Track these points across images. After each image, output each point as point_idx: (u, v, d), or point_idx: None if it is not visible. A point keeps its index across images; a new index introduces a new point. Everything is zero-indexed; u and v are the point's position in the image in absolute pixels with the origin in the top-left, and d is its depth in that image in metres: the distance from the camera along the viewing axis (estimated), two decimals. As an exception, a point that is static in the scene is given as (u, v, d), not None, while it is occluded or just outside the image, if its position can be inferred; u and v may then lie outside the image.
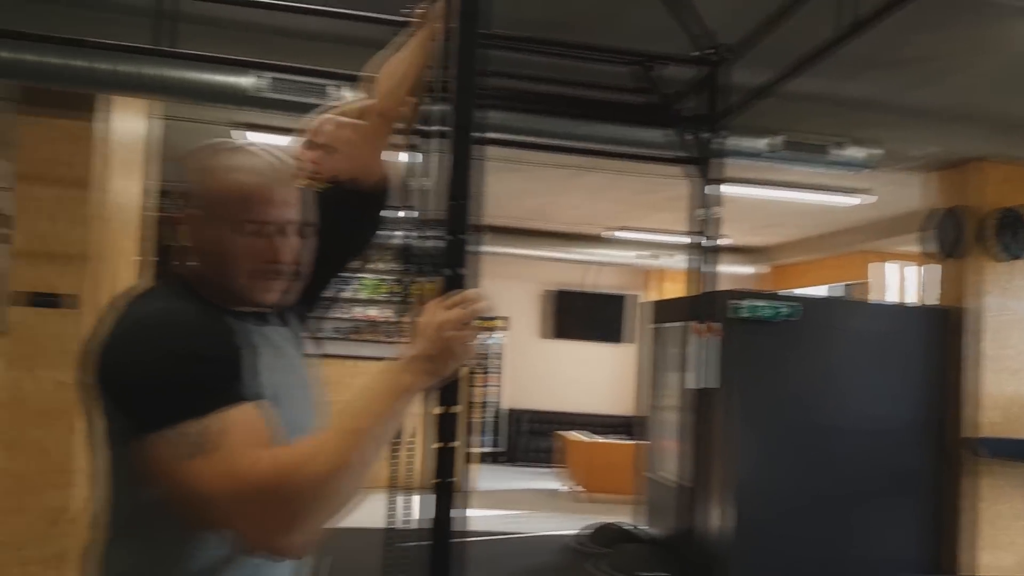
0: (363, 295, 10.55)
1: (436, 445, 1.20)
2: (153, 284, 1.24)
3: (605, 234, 9.02)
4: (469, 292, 1.13)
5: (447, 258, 1.24)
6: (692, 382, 3.11)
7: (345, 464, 0.99)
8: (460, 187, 1.26)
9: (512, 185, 7.25)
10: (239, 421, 1.02)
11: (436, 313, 1.09)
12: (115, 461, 1.13)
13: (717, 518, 5.01)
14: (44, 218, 4.29)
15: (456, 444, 1.20)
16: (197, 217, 1.16)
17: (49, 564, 4.20)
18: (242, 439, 1.00)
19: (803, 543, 5.00)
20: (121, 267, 4.72)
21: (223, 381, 1.05)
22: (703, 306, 3.10)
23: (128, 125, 4.75)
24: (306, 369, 1.33)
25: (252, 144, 1.23)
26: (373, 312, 10.60)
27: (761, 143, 3.87)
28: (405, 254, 10.92)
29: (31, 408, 4.21)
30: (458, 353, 1.08)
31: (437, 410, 1.20)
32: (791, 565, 4.98)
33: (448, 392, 1.19)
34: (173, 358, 1.04)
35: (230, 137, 5.57)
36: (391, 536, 2.85)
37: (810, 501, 5.04)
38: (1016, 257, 5.21)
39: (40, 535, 4.20)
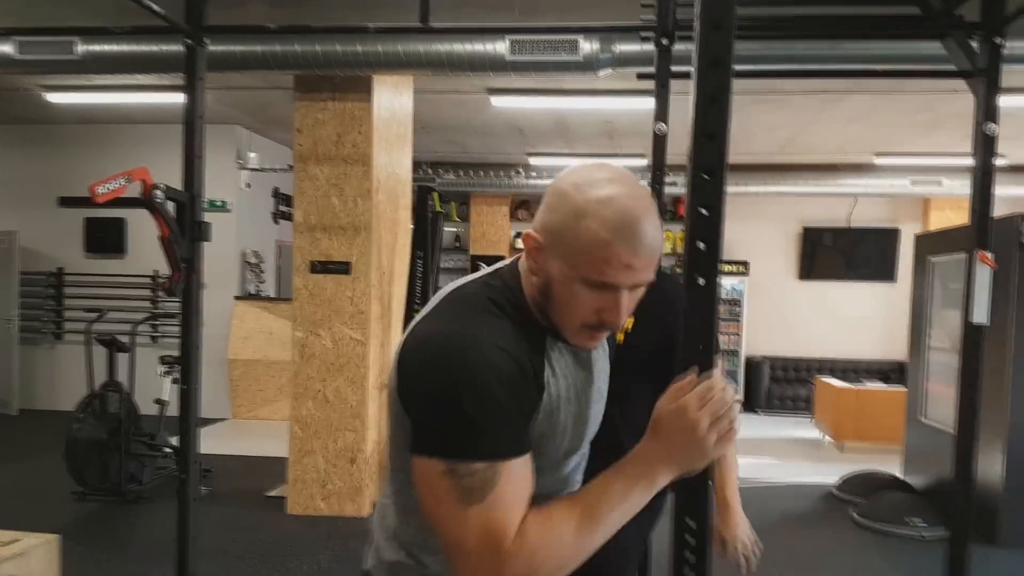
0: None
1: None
2: (486, 280, 1.18)
3: (875, 161, 8.23)
4: (716, 380, 1.03)
5: (697, 198, 1.19)
6: (972, 317, 2.78)
7: (583, 548, 1.03)
8: (713, 124, 1.20)
9: (756, 119, 6.88)
10: (513, 477, 1.02)
11: (687, 408, 1.01)
12: (398, 448, 1.14)
13: (986, 466, 4.61)
14: (322, 194, 4.80)
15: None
16: (544, 243, 1.10)
17: (347, 496, 4.79)
18: (510, 499, 1.01)
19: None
20: (395, 235, 5.17)
21: (512, 430, 1.04)
22: (992, 233, 2.74)
23: (395, 102, 5.15)
24: (605, 382, 1.31)
25: (625, 182, 1.10)
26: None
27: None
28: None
29: (320, 363, 4.78)
30: (712, 449, 1.01)
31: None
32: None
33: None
34: (472, 392, 1.01)
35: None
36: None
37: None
38: None
39: (340, 472, 4.79)
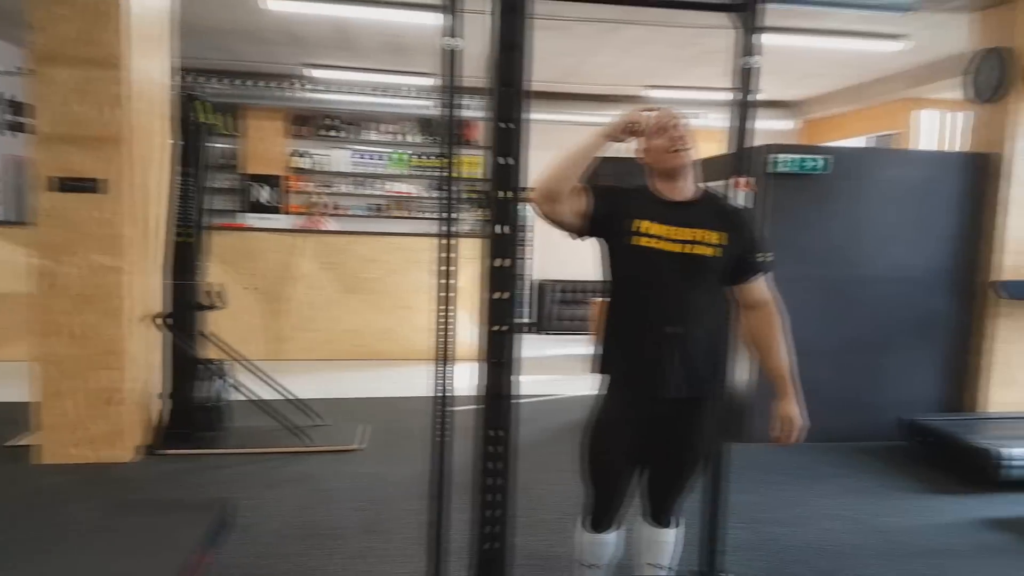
0: (392, 170, 10.33)
1: (492, 328, 1.32)
2: None
3: (643, 93, 8.73)
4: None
5: (499, 111, 1.20)
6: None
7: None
8: (510, 40, 1.17)
9: (543, 44, 6.97)
10: None
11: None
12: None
13: (746, 371, 5.14)
14: (66, 101, 4.18)
15: (507, 327, 1.32)
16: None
17: (105, 441, 4.37)
18: None
19: (829, 388, 5.07)
20: (152, 149, 4.63)
21: None
22: (743, 162, 2.99)
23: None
24: None
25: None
26: (402, 188, 10.41)
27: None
28: (432, 126, 10.65)
29: (68, 294, 4.26)
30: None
31: (493, 295, 1.32)
32: (816, 410, 5.03)
33: (500, 279, 1.32)
34: None
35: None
36: (438, 402, 2.95)
37: (837, 348, 5.15)
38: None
39: (96, 415, 4.35)
